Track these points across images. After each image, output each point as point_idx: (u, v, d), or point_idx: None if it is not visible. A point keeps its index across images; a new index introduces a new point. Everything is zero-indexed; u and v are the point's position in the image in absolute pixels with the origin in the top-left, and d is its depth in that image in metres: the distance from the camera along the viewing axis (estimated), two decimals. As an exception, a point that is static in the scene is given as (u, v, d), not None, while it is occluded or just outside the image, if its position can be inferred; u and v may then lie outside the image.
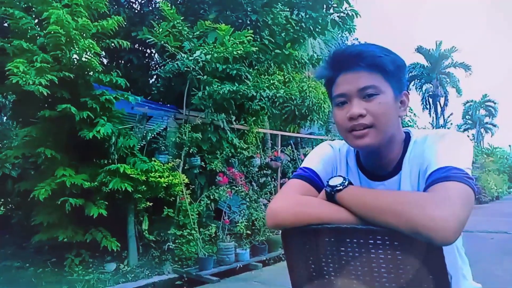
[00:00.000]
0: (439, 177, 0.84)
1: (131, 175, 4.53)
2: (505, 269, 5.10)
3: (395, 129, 0.99)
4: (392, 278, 0.82)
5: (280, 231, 0.99)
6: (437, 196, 0.79)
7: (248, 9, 6.43)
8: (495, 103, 42.81)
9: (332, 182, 0.94)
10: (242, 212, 5.92)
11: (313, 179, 1.06)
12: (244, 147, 6.26)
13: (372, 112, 0.93)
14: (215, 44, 5.39)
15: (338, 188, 0.92)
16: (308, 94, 6.70)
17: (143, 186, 4.65)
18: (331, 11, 6.85)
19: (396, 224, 0.78)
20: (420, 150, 0.97)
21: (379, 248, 0.82)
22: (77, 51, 4.47)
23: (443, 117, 37.25)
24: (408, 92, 1.04)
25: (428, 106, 37.10)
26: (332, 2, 6.70)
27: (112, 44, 4.89)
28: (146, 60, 7.89)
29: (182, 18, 5.58)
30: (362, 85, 0.94)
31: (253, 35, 5.62)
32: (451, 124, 38.06)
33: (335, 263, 0.89)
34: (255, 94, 5.67)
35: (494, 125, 43.72)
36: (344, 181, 0.92)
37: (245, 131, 6.66)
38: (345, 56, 0.97)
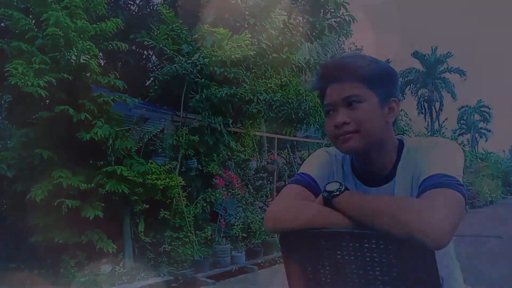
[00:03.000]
0: (431, 184, 0.87)
1: (128, 177, 4.54)
2: (498, 273, 5.16)
3: (383, 134, 1.02)
4: (386, 281, 0.85)
5: (278, 235, 1.02)
6: (430, 202, 0.82)
7: (246, 13, 6.46)
8: (489, 109, 43.13)
9: (329, 187, 0.97)
10: (238, 215, 5.94)
11: (311, 185, 1.09)
12: (241, 150, 6.29)
13: (355, 119, 0.98)
14: (213, 48, 5.42)
15: (335, 193, 0.94)
16: (304, 98, 6.73)
17: (140, 188, 4.65)
18: (328, 15, 6.91)
19: (391, 228, 0.82)
20: (413, 157, 1.01)
21: (374, 251, 0.85)
22: (76, 53, 4.48)
23: (438, 122, 37.44)
24: (399, 99, 1.07)
25: (423, 111, 37.27)
26: (330, 7, 6.76)
27: (110, 46, 4.91)
28: (143, 62, 7.91)
29: (180, 21, 5.61)
30: (345, 95, 0.99)
31: (250, 39, 5.66)
32: (446, 129, 38.27)
33: (331, 266, 0.91)
34: (252, 97, 5.71)
35: (489, 130, 44.02)
36: (341, 187, 0.95)
37: (242, 134, 6.69)
38: (332, 69, 1.05)
